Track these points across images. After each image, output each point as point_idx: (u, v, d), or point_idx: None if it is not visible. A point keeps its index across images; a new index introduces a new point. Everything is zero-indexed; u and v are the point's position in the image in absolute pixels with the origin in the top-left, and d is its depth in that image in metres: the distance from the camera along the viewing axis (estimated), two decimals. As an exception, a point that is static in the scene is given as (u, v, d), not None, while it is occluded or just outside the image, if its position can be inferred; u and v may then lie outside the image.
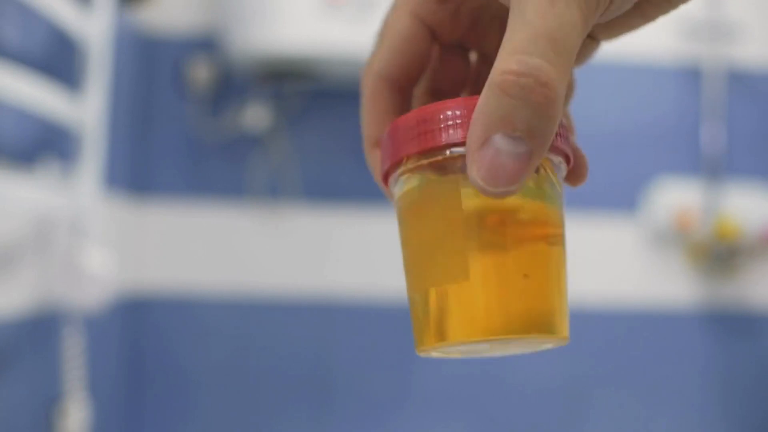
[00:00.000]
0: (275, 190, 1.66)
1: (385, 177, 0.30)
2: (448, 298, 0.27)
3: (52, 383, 1.16)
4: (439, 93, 0.35)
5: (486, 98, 0.24)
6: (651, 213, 1.71)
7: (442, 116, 0.27)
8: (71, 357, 1.15)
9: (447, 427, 1.67)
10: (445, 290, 0.27)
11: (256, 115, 1.61)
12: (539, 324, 0.27)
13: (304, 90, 1.66)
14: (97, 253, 1.13)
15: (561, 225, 0.29)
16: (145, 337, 1.62)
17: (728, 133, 1.75)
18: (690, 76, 1.76)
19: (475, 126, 0.25)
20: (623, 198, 1.73)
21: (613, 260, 1.72)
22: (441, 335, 0.28)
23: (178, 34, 1.66)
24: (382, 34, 0.33)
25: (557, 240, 0.28)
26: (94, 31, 1.13)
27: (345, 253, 1.67)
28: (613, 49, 1.72)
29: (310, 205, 1.67)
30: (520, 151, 0.24)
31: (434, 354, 0.29)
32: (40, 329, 1.13)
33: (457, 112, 0.27)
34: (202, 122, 1.65)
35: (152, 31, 1.65)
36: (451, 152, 0.27)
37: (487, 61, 0.35)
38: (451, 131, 0.27)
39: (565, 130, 0.28)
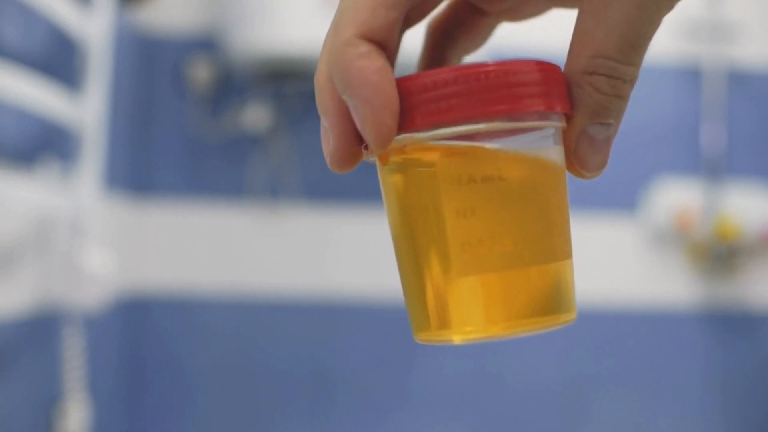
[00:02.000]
0: (275, 190, 1.66)
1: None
2: (464, 287, 0.26)
3: (52, 383, 1.16)
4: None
5: (578, 95, 0.27)
6: (651, 213, 1.71)
7: (444, 91, 0.25)
8: (71, 357, 1.15)
9: (447, 427, 1.67)
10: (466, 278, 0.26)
11: (256, 115, 1.61)
12: (555, 311, 0.27)
13: (304, 90, 1.66)
14: (97, 253, 1.13)
15: (567, 202, 0.28)
16: (145, 337, 1.62)
17: (728, 133, 1.75)
18: (690, 76, 1.76)
19: (572, 120, 0.27)
20: (623, 198, 1.73)
21: (613, 260, 1.72)
22: (445, 326, 0.26)
23: (178, 34, 1.66)
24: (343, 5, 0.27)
25: (566, 221, 0.28)
26: (94, 31, 1.13)
27: (345, 253, 1.67)
28: (613, 49, 1.72)
29: (310, 205, 1.66)
30: (610, 134, 0.28)
31: (434, 343, 0.28)
32: (40, 329, 1.13)
33: (455, 89, 0.25)
34: (202, 122, 1.65)
35: (152, 31, 1.65)
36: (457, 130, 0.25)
37: (474, 8, 0.33)
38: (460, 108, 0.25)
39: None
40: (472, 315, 0.26)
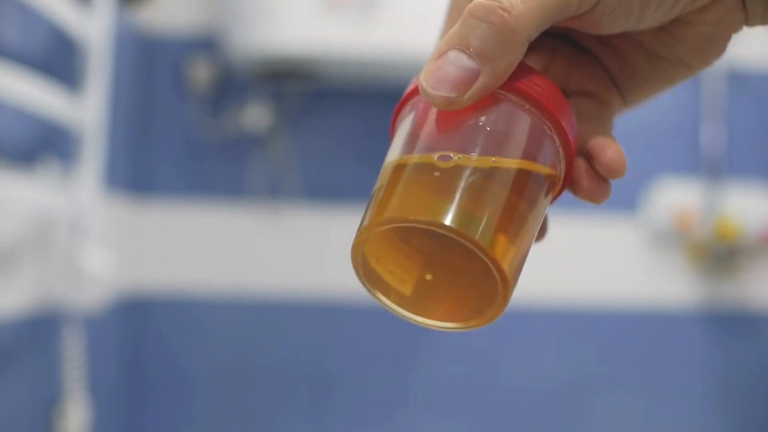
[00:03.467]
0: (275, 190, 1.66)
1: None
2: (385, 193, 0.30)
3: (52, 383, 1.16)
4: None
5: (458, 22, 0.26)
6: (651, 213, 1.71)
7: None
8: (71, 357, 1.15)
9: (447, 427, 1.67)
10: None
11: (256, 115, 1.61)
12: (466, 227, 0.27)
13: (304, 90, 1.66)
14: (97, 253, 1.13)
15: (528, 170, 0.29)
16: (145, 337, 1.62)
17: (728, 133, 1.75)
18: (690, 76, 1.75)
19: (439, 44, 0.27)
20: (623, 198, 1.72)
21: (613, 260, 1.72)
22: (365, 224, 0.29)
23: (178, 34, 1.66)
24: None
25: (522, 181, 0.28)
26: (94, 31, 1.13)
27: (345, 253, 1.65)
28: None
29: (310, 205, 1.66)
30: (468, 66, 0.26)
31: (361, 271, 0.30)
32: (40, 329, 1.13)
33: None
34: (202, 122, 1.65)
35: (152, 31, 1.65)
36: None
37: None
38: None
39: (571, 151, 0.30)
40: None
